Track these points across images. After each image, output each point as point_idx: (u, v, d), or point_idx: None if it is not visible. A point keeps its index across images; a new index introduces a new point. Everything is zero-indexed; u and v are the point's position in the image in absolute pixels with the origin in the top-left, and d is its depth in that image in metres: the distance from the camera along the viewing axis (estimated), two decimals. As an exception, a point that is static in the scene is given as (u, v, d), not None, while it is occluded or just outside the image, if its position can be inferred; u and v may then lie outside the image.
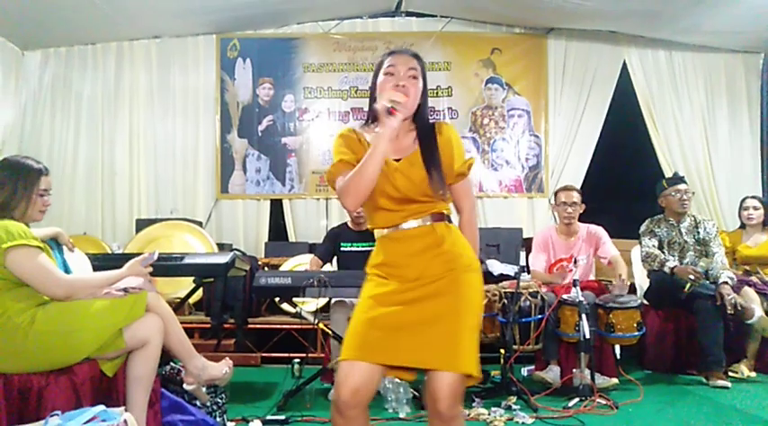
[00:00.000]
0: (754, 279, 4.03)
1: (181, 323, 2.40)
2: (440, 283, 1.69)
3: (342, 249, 3.89)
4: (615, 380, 3.53)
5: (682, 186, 4.05)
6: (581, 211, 3.96)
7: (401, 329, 1.64)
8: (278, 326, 4.47)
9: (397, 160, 1.77)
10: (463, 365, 1.61)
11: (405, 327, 1.64)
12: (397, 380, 3.03)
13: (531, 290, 3.50)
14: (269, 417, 2.96)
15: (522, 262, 4.13)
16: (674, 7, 4.73)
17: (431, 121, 1.85)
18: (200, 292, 4.04)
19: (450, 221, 1.81)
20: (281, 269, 4.61)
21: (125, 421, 1.91)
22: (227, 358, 2.56)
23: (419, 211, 1.76)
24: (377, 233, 1.84)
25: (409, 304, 1.67)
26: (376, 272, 1.78)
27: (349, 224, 3.93)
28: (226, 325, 4.14)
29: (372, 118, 1.86)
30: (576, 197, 3.95)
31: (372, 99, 1.85)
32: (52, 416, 1.87)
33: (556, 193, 4.10)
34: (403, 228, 1.76)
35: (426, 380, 1.65)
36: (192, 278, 3.53)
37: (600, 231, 3.96)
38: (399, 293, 1.69)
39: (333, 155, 1.81)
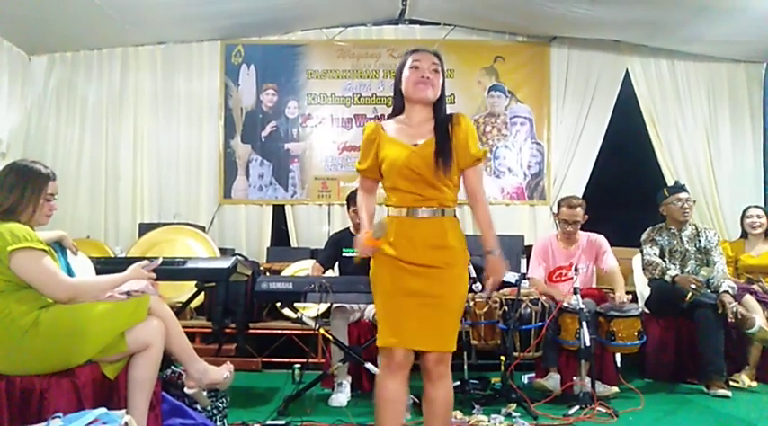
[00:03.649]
0: (755, 287, 4.03)
1: (182, 327, 2.41)
2: (438, 277, 2.01)
3: (343, 255, 3.90)
4: (615, 389, 3.52)
5: (683, 195, 4.05)
6: (583, 222, 3.94)
7: (410, 316, 2.00)
8: (279, 331, 4.48)
9: (415, 145, 2.05)
10: (448, 345, 2.04)
11: (412, 315, 2.00)
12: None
13: (531, 298, 3.50)
14: (269, 422, 2.96)
15: (524, 270, 4.14)
16: (676, 17, 4.76)
17: (449, 113, 2.13)
18: (201, 296, 4.06)
19: (455, 215, 2.09)
20: (283, 274, 4.62)
21: (126, 424, 1.92)
22: (228, 362, 2.57)
23: (431, 198, 2.03)
24: (390, 211, 2.10)
25: (414, 294, 2.00)
26: (390, 253, 2.03)
27: (351, 229, 3.94)
28: (227, 330, 4.14)
29: (399, 109, 2.15)
30: (580, 214, 3.87)
31: (397, 91, 2.14)
32: (54, 418, 1.88)
33: (559, 204, 4.01)
34: (416, 215, 2.04)
35: (421, 352, 2.06)
36: (194, 282, 3.55)
37: (601, 240, 3.95)
38: (407, 278, 2.01)
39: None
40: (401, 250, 2.02)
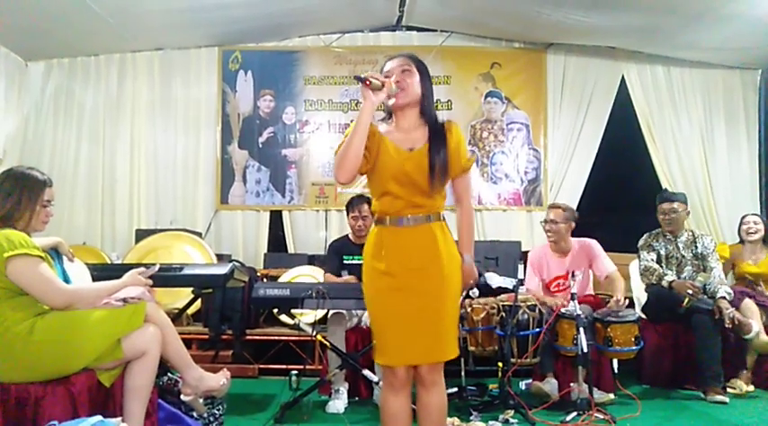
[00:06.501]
0: (752, 291, 4.03)
1: (179, 333, 2.41)
2: (430, 279, 2.00)
3: (344, 262, 3.88)
4: (611, 396, 3.52)
5: (665, 205, 4.04)
6: (570, 229, 3.88)
7: (411, 331, 1.99)
8: (276, 338, 4.47)
9: (410, 150, 2.02)
10: (445, 355, 2.04)
11: (412, 329, 1.99)
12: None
13: (529, 304, 3.50)
14: (266, 429, 2.95)
15: (521, 275, 4.12)
16: (672, 23, 4.78)
17: (440, 120, 2.08)
18: (198, 303, 4.04)
19: (444, 220, 2.08)
20: (280, 280, 4.61)
21: (122, 432, 1.91)
22: (225, 369, 2.57)
23: (420, 205, 2.02)
24: (378, 221, 2.07)
25: (410, 304, 1.98)
26: (380, 268, 2.02)
27: (350, 236, 3.94)
28: (224, 336, 4.12)
29: (387, 114, 2.13)
30: (555, 215, 3.85)
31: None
32: (49, 426, 1.87)
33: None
34: (403, 224, 2.02)
35: None
36: (191, 288, 3.54)
37: (592, 244, 3.91)
38: (401, 289, 1.99)
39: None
40: (392, 261, 2.01)
